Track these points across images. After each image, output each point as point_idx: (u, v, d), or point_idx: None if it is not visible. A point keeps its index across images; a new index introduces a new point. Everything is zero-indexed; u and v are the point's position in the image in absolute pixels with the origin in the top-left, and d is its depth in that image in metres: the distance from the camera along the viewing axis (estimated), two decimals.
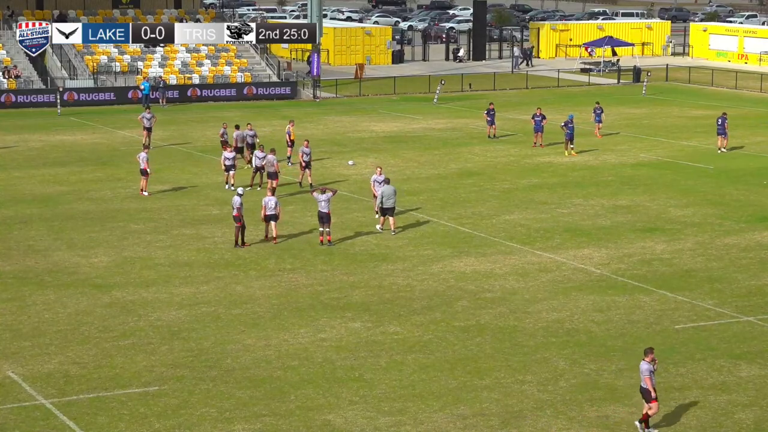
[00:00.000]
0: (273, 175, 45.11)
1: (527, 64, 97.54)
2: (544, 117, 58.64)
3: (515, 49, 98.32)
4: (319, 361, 28.33)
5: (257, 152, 47.04)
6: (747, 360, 28.37)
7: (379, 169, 42.23)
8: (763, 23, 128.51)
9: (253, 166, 47.27)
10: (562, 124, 57.51)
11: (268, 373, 27.48)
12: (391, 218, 40.54)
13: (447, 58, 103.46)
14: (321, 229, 38.99)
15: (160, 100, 74.17)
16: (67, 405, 25.48)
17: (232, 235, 39.61)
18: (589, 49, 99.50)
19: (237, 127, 52.62)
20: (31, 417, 24.86)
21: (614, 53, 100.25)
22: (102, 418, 24.84)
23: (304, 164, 47.37)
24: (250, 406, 25.53)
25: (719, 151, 57.59)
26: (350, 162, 50.66)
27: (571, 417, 25.06)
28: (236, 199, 38.37)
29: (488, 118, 61.70)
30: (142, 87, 73.38)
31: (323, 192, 38.92)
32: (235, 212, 38.36)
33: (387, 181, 40.79)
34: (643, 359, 24.20)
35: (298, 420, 24.84)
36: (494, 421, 24.82)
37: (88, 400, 25.78)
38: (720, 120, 57.68)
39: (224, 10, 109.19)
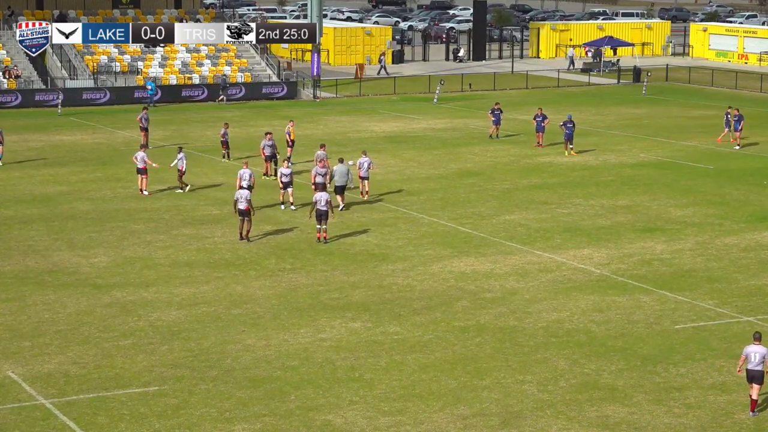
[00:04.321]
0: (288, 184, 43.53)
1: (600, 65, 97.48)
2: (545, 117, 58.69)
3: (570, 49, 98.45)
4: (319, 361, 28.32)
5: (283, 168, 43.77)
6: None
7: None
8: (763, 23, 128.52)
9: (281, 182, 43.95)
10: (561, 123, 57.57)
11: (268, 373, 27.48)
12: (340, 195, 43.81)
13: (447, 58, 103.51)
14: (318, 226, 39.21)
15: (219, 98, 75.34)
16: (67, 405, 25.47)
17: (232, 235, 39.66)
18: (587, 49, 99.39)
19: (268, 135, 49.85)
20: (31, 417, 24.85)
21: (613, 53, 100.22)
22: (102, 418, 24.84)
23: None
24: (250, 406, 25.53)
25: (735, 148, 58.49)
26: (350, 162, 50.67)
27: (571, 417, 25.07)
28: (244, 193, 38.91)
29: (493, 118, 61.62)
30: (148, 87, 73.48)
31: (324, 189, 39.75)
32: (244, 206, 38.68)
33: (341, 161, 44.12)
34: (758, 344, 25.01)
35: (298, 420, 24.83)
36: (494, 421, 24.82)
37: (88, 400, 25.78)
38: (736, 117, 58.80)
39: (224, 10, 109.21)
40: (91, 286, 34.34)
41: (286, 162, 44.38)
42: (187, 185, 47.27)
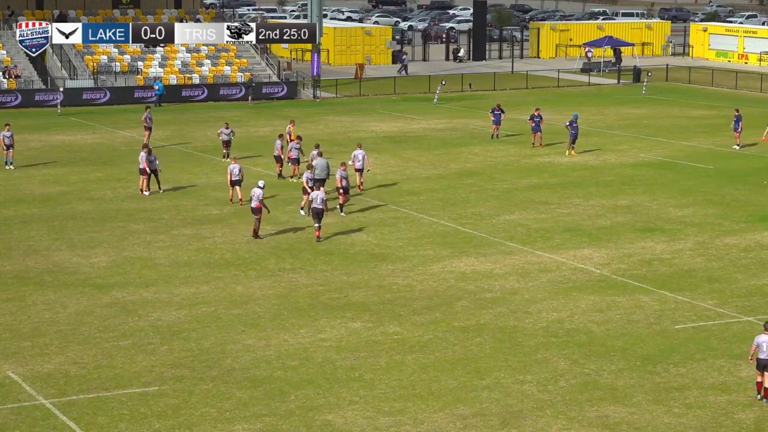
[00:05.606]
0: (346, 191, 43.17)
1: (616, 65, 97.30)
2: (542, 118, 58.51)
3: (585, 49, 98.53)
4: (319, 361, 28.33)
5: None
6: (747, 360, 28.34)
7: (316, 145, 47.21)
8: (763, 23, 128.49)
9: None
10: (567, 123, 57.42)
11: (268, 373, 27.48)
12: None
13: (447, 58, 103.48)
14: (317, 225, 39.25)
15: (249, 98, 75.83)
16: (67, 405, 25.48)
17: (232, 235, 39.67)
18: (586, 50, 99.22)
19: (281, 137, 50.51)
20: (31, 417, 24.86)
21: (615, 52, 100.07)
22: (102, 418, 24.85)
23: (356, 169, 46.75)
24: (250, 406, 25.54)
25: (734, 148, 58.60)
26: (349, 162, 50.70)
27: (571, 417, 25.07)
28: (257, 192, 38.96)
29: (493, 118, 61.52)
30: (156, 87, 73.46)
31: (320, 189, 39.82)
32: (255, 204, 38.74)
33: (320, 155, 44.77)
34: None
35: (298, 420, 24.84)
36: (494, 421, 24.82)
37: (88, 400, 25.78)
38: (735, 117, 58.87)
39: (224, 10, 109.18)
40: (91, 286, 34.34)
41: (310, 169, 43.41)
42: (159, 189, 46.96)
